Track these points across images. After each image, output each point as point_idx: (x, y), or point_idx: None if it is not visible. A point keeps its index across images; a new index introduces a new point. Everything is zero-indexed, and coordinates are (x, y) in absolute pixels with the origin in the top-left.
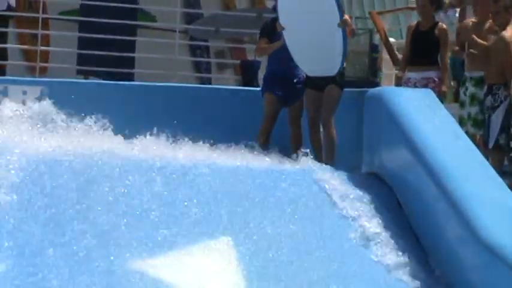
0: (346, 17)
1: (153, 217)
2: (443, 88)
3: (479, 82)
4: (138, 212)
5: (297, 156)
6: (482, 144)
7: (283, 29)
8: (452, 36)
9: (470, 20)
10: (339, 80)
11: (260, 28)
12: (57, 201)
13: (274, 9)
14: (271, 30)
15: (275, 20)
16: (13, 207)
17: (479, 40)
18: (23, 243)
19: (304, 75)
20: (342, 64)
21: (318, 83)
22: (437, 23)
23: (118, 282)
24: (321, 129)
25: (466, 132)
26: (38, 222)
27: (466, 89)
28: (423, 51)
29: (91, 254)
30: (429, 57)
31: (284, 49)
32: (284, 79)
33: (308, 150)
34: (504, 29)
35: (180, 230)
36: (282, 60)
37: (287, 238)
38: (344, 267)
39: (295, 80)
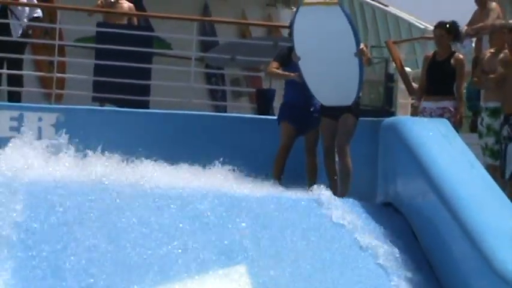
0: (363, 46)
1: (169, 244)
2: (459, 118)
3: (494, 112)
4: (153, 240)
5: (313, 186)
6: (499, 175)
7: (299, 59)
8: (468, 67)
9: (488, 51)
10: (355, 109)
11: (276, 53)
12: (72, 227)
13: (290, 36)
14: (286, 57)
15: (291, 48)
16: (24, 231)
17: (491, 76)
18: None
19: (320, 104)
20: (358, 93)
21: (334, 112)
22: (453, 53)
23: None
24: (336, 159)
25: (485, 163)
26: (51, 245)
27: (482, 119)
28: (439, 81)
29: (99, 283)
30: (445, 87)
31: (297, 83)
32: (300, 108)
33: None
34: None
35: (195, 257)
36: (298, 90)
37: (303, 268)
38: None
39: (311, 109)
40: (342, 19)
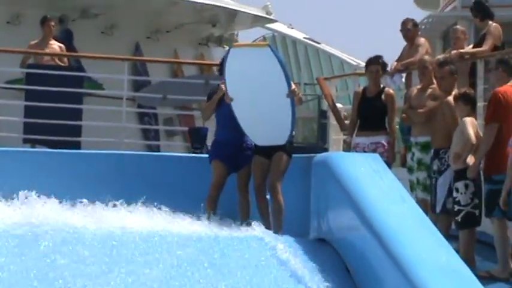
0: (294, 86)
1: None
2: (394, 152)
3: (425, 147)
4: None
5: (245, 224)
6: (430, 209)
7: (231, 100)
8: (400, 102)
9: (415, 87)
10: (288, 147)
11: (207, 95)
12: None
13: (221, 74)
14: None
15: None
16: None
17: (420, 111)
18: None
19: (253, 142)
20: (292, 133)
21: (267, 150)
22: (383, 88)
23: None
24: (268, 196)
25: (416, 197)
26: None
27: (413, 154)
28: (371, 117)
29: None
30: (377, 122)
31: (231, 116)
32: (232, 146)
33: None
34: (450, 94)
35: None
36: (230, 127)
37: None
38: None
39: (243, 145)
40: (273, 61)
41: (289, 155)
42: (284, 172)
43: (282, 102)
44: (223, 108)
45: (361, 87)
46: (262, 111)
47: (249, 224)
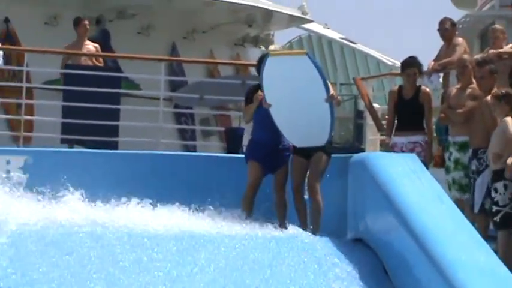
0: (332, 91)
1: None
2: (431, 152)
3: (462, 147)
4: (112, 280)
5: (282, 224)
6: (468, 209)
7: (269, 106)
8: (437, 102)
9: (454, 87)
10: (327, 147)
11: (244, 95)
12: (39, 273)
13: (258, 72)
14: (254, 93)
15: (256, 87)
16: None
17: (459, 111)
18: None
19: (288, 145)
20: (331, 135)
21: (306, 151)
22: (420, 87)
23: None
24: (306, 196)
25: (452, 197)
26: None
27: (451, 153)
28: (409, 117)
29: None
30: (415, 122)
31: (268, 117)
32: (268, 146)
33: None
34: (489, 93)
35: None
36: (266, 127)
37: None
38: None
39: (280, 147)
40: (311, 68)
41: (329, 155)
42: (323, 172)
43: (320, 107)
44: (260, 109)
45: (397, 86)
46: (301, 116)
47: (285, 225)
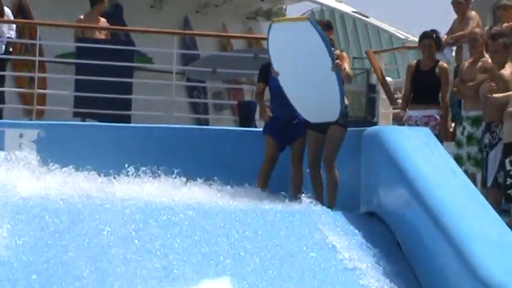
0: (339, 61)
1: (155, 259)
2: (447, 126)
3: (476, 121)
4: (139, 256)
5: (297, 197)
6: (480, 183)
7: (277, 74)
8: (450, 76)
9: (466, 60)
10: (343, 120)
11: (258, 70)
12: (54, 244)
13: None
14: (267, 72)
15: (270, 64)
16: (12, 248)
17: (471, 84)
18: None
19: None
20: (341, 109)
21: (321, 126)
22: (438, 61)
23: None
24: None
25: (466, 172)
26: (38, 264)
27: (464, 128)
28: (424, 90)
29: None
30: (430, 95)
31: (281, 90)
32: (283, 119)
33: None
34: (503, 67)
35: (184, 271)
36: (280, 101)
37: (287, 279)
38: None
39: (296, 119)
40: (314, 35)
41: (345, 127)
42: (339, 146)
43: (328, 77)
44: (272, 81)
45: (414, 61)
46: (309, 87)
47: (300, 198)
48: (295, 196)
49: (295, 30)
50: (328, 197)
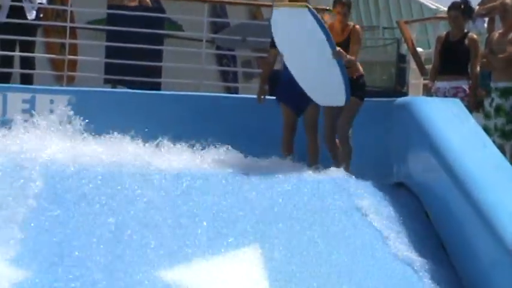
0: (339, 48)
1: (181, 227)
2: (475, 97)
3: (505, 93)
4: (167, 222)
5: (314, 165)
6: (509, 154)
7: (282, 55)
8: (481, 47)
9: (497, 31)
10: (359, 91)
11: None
12: (83, 208)
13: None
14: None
15: None
16: (40, 213)
17: (501, 56)
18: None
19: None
20: (347, 96)
21: None
22: (467, 33)
23: None
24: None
25: (493, 143)
26: (66, 226)
27: (492, 99)
28: (453, 61)
29: (116, 264)
30: (459, 67)
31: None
32: (296, 88)
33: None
34: None
35: (209, 239)
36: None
37: (315, 249)
38: (370, 279)
39: None
40: (313, 22)
41: (361, 98)
42: (353, 117)
43: (330, 64)
44: None
45: (444, 32)
46: (314, 73)
47: (317, 167)
48: (311, 164)
49: (295, 17)
50: (341, 166)
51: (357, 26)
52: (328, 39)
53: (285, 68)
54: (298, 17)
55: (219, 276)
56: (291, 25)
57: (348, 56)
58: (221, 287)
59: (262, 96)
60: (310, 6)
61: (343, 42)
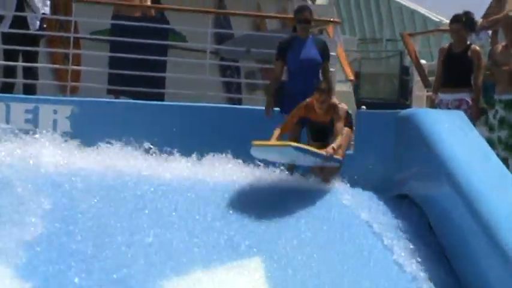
0: (328, 150)
1: (185, 235)
2: (478, 109)
3: (509, 105)
4: (168, 231)
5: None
6: None
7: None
8: (484, 59)
9: (500, 44)
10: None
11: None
12: (88, 219)
13: (294, 30)
14: (285, 49)
15: (291, 37)
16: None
17: (505, 68)
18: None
19: None
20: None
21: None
22: (470, 45)
23: None
24: None
25: (497, 156)
26: (70, 236)
27: (496, 112)
28: (456, 73)
29: (116, 271)
30: (462, 79)
31: (301, 70)
32: (300, 100)
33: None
34: None
35: (214, 246)
36: (300, 81)
37: (317, 260)
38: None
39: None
40: (298, 155)
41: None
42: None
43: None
44: (291, 59)
45: (447, 44)
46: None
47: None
48: (314, 175)
49: (277, 152)
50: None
51: (339, 106)
52: (318, 156)
53: (290, 79)
54: (282, 152)
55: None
56: (272, 157)
57: (337, 143)
58: None
59: (271, 109)
60: (293, 144)
61: (328, 123)
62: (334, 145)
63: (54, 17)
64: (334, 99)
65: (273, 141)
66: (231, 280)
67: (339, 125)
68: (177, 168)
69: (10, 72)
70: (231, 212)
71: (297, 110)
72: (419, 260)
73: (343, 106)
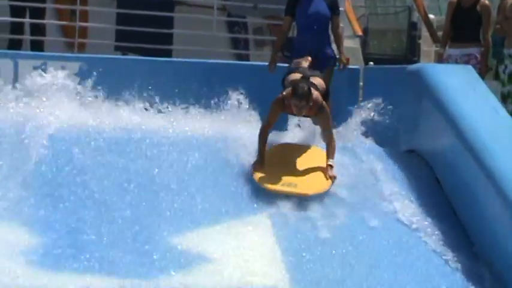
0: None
1: (191, 191)
2: (487, 64)
3: None
4: (176, 187)
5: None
6: None
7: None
8: (493, 14)
9: None
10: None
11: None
12: (92, 173)
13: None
14: (295, 5)
15: None
16: (48, 175)
17: None
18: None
19: (333, 53)
20: None
21: None
22: None
23: (159, 258)
24: None
25: (507, 111)
26: (70, 190)
27: (506, 66)
28: (465, 28)
29: (129, 226)
30: (471, 33)
31: (310, 26)
32: (309, 54)
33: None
34: None
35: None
36: (308, 38)
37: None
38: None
39: (320, 56)
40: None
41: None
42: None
43: None
44: (300, 16)
45: None
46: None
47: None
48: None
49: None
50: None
51: (323, 104)
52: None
53: (299, 34)
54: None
55: (231, 240)
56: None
57: (331, 157)
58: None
59: (274, 65)
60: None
61: (314, 116)
62: (330, 162)
63: None
64: (314, 95)
65: (286, 188)
66: (238, 234)
67: (326, 122)
68: (183, 123)
69: (17, 29)
70: (234, 166)
71: (274, 109)
72: (426, 214)
73: (317, 93)
